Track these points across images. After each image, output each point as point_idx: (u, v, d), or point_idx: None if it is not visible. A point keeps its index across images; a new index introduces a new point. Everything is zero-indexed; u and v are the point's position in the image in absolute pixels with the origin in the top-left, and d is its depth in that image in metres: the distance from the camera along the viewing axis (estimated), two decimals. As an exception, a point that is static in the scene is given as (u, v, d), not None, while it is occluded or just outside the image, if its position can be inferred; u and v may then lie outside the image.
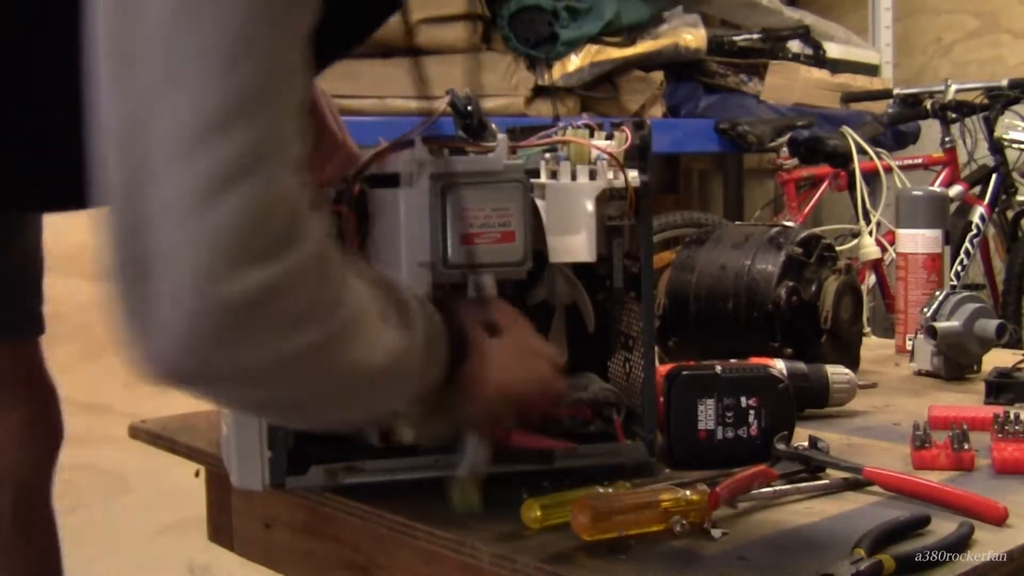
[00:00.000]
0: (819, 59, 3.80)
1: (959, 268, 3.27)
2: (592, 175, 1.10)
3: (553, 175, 1.10)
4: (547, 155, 1.11)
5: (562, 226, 1.09)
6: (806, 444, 1.12)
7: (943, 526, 0.94)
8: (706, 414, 1.13)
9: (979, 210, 3.36)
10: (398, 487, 1.07)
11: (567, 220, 1.09)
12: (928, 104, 3.39)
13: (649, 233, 1.13)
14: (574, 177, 1.10)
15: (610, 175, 1.11)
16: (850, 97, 3.71)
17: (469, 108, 1.12)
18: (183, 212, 0.65)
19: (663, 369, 1.17)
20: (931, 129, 3.58)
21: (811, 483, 1.06)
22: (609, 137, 1.13)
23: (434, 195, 1.03)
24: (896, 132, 3.68)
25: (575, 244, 1.10)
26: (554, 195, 1.09)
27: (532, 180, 1.09)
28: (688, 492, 0.95)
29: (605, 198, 1.13)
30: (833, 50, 3.88)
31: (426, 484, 1.07)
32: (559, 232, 1.09)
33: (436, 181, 1.03)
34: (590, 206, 1.10)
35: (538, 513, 0.95)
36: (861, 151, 3.28)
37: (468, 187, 1.04)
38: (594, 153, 1.11)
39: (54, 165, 0.91)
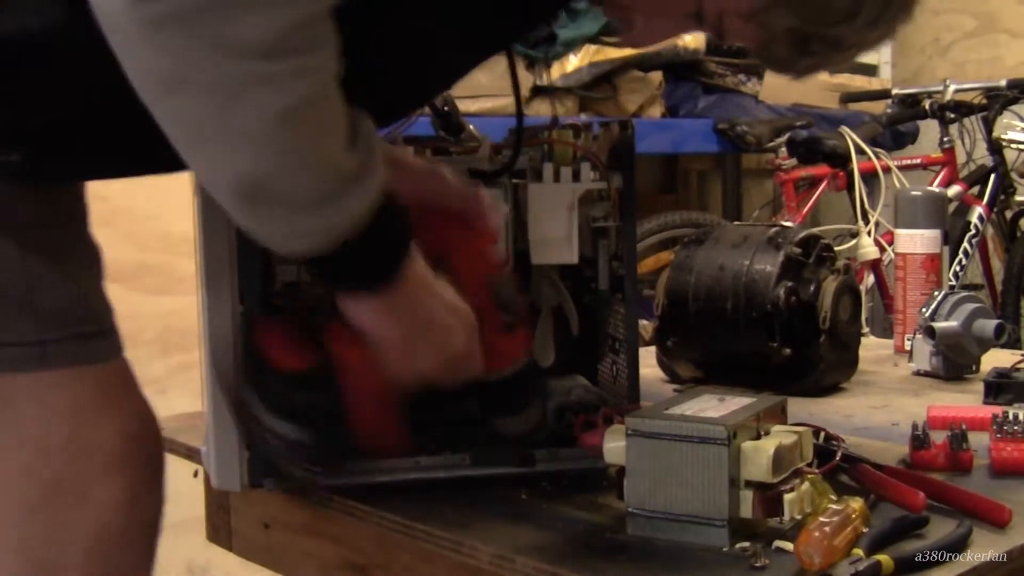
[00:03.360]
0: (818, 59, 3.79)
1: (958, 268, 3.27)
2: (575, 176, 1.10)
3: (537, 176, 1.10)
4: (531, 156, 1.11)
5: (545, 227, 1.09)
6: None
7: (942, 526, 0.94)
8: None
9: (978, 210, 3.36)
10: (398, 487, 1.07)
11: (550, 221, 1.09)
12: (927, 104, 3.39)
13: (632, 235, 1.12)
14: (558, 178, 1.10)
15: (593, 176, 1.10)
16: (849, 97, 3.71)
17: (446, 108, 1.12)
18: None
19: None
20: (930, 129, 3.58)
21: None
22: (595, 138, 1.13)
23: None
24: (895, 132, 3.68)
25: (558, 246, 1.10)
26: (537, 196, 1.08)
27: (516, 181, 1.08)
28: (852, 503, 0.93)
29: (591, 199, 1.12)
30: (832, 50, 3.87)
31: (424, 485, 1.07)
32: (542, 233, 1.08)
33: None
34: (573, 207, 1.09)
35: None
36: (860, 151, 3.28)
37: None
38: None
39: None
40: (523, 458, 1.08)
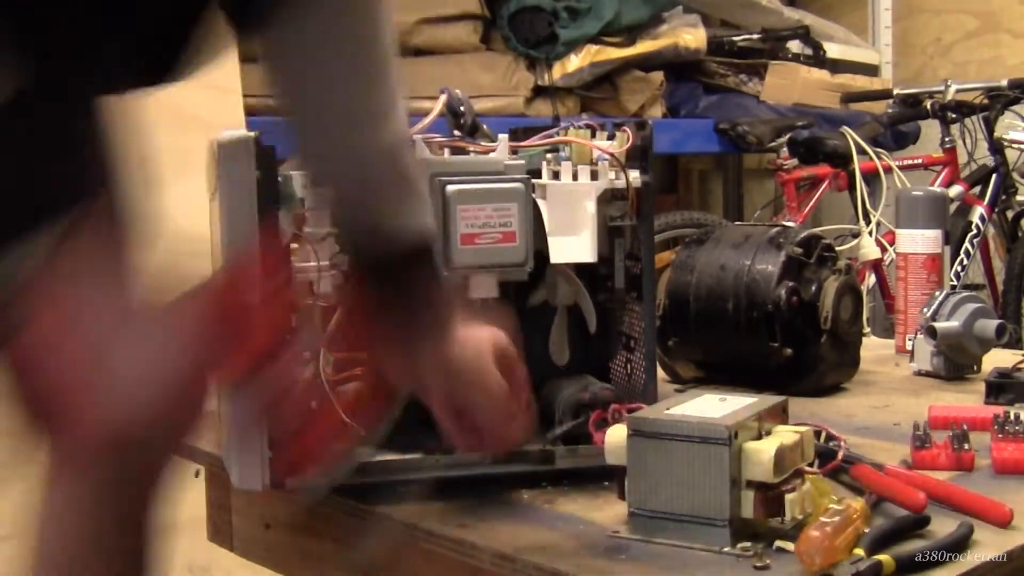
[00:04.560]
0: (819, 59, 3.80)
1: (959, 268, 3.27)
2: (594, 175, 1.11)
3: (555, 175, 1.11)
4: (549, 155, 1.11)
5: (563, 227, 1.09)
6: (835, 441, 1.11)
7: (943, 526, 0.94)
8: None
9: (979, 210, 3.36)
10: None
11: (568, 221, 1.09)
12: (928, 104, 3.39)
13: (650, 234, 1.13)
14: (575, 177, 1.10)
15: (611, 175, 1.11)
16: (850, 97, 3.72)
17: (462, 108, 1.12)
18: None
19: None
20: (931, 129, 3.58)
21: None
22: (611, 137, 1.13)
23: (435, 195, 1.03)
24: (896, 132, 3.68)
25: (576, 245, 1.10)
26: (555, 195, 1.09)
27: (533, 180, 1.09)
28: (853, 503, 0.93)
29: (607, 198, 1.13)
30: (833, 50, 3.88)
31: (423, 485, 1.07)
32: (560, 233, 1.09)
33: (437, 180, 1.03)
34: (591, 207, 1.10)
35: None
36: (861, 151, 3.29)
37: (469, 187, 1.04)
38: (595, 153, 1.11)
39: None
40: (543, 456, 1.08)
